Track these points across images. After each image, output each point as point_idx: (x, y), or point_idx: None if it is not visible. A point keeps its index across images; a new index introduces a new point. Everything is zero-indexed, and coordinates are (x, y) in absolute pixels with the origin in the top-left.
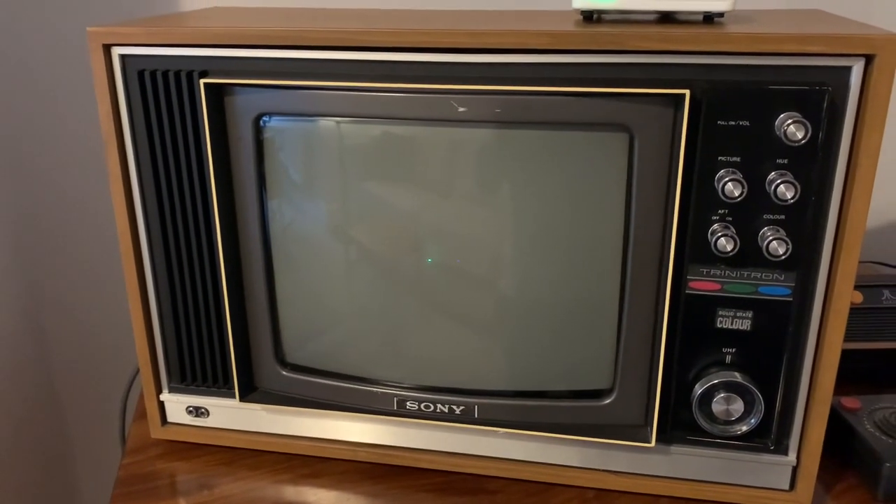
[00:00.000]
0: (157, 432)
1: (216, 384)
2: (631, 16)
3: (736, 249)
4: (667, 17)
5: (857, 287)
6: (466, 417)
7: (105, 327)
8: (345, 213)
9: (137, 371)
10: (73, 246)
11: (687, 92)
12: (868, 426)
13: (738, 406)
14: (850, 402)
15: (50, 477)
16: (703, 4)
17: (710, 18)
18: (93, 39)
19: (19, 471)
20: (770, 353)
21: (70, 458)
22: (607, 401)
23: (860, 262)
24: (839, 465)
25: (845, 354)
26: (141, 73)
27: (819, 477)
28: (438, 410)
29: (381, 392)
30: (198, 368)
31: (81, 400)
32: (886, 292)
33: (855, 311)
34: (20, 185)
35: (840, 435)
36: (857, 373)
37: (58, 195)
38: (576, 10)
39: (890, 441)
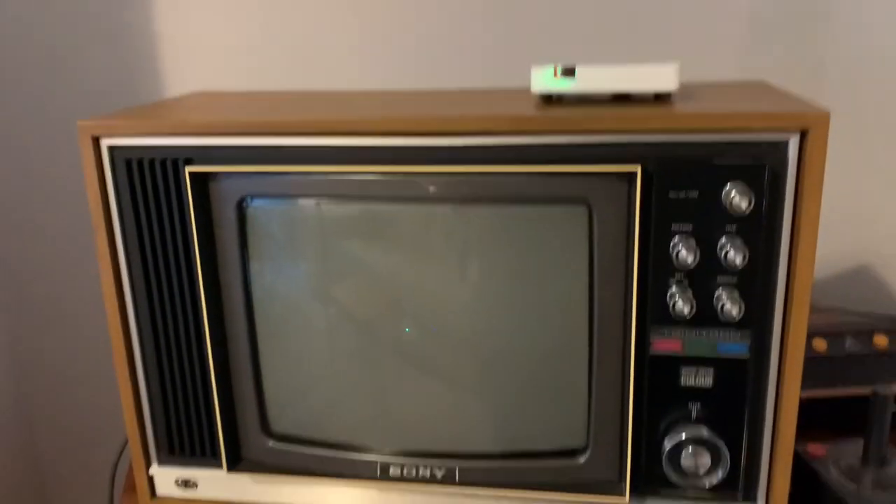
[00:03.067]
0: None
1: (204, 455)
2: (588, 96)
3: (693, 312)
4: (620, 97)
5: (820, 335)
6: (448, 479)
7: (93, 401)
8: (323, 287)
9: (126, 443)
10: (62, 320)
11: (638, 168)
12: (834, 473)
13: (705, 460)
14: (815, 448)
15: None
16: (651, 86)
17: (660, 97)
18: (82, 132)
19: None
20: (733, 408)
21: None
22: (582, 459)
23: (826, 310)
24: None
25: (811, 402)
26: (129, 162)
27: None
28: (420, 475)
29: (364, 459)
30: (185, 440)
31: (68, 471)
32: (850, 339)
33: (819, 358)
34: (9, 264)
35: (807, 482)
36: (823, 419)
37: (46, 269)
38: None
39: (854, 487)
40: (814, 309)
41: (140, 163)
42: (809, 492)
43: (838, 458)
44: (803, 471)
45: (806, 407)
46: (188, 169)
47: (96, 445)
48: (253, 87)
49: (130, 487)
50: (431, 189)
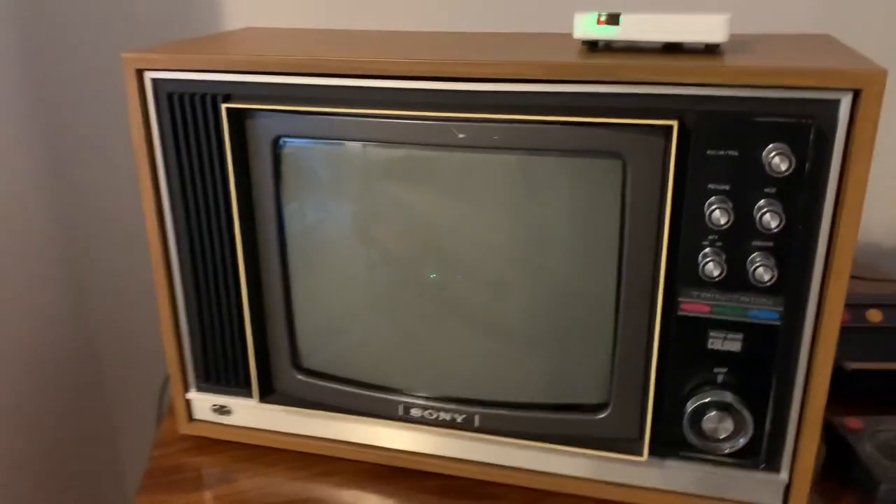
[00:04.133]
0: (183, 428)
1: (238, 385)
2: (637, 45)
3: (723, 275)
4: (671, 47)
5: (876, 306)
6: (467, 425)
7: (149, 328)
8: (353, 229)
9: None
10: (119, 253)
11: (675, 123)
12: (868, 447)
13: (727, 425)
14: (853, 422)
15: (97, 461)
16: (699, 37)
17: (710, 48)
18: (127, 64)
19: (67, 455)
20: (760, 375)
21: (114, 443)
22: (603, 415)
23: (886, 279)
24: (839, 484)
25: (859, 374)
26: (170, 96)
27: (819, 495)
28: (441, 418)
29: (388, 398)
30: (221, 370)
31: (126, 392)
32: None
33: (872, 330)
34: (68, 195)
35: (841, 455)
36: (869, 393)
37: (101, 204)
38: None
39: (889, 463)
40: (872, 278)
41: (181, 97)
42: (843, 464)
43: (875, 433)
44: (838, 444)
45: (855, 378)
46: (225, 106)
47: (154, 361)
48: (310, 24)
49: (172, 410)
50: (461, 136)
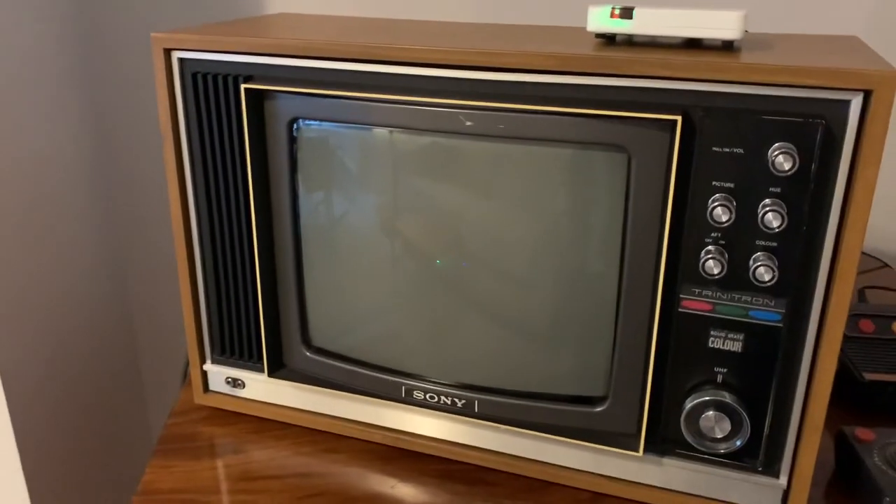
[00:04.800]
0: (199, 398)
1: (251, 359)
2: (657, 40)
3: (723, 273)
4: (692, 43)
5: None
6: (467, 411)
7: (178, 303)
8: (363, 212)
9: None
10: (154, 228)
11: (679, 118)
12: (877, 459)
13: (725, 425)
14: (864, 433)
15: (129, 426)
16: (713, 33)
17: (727, 44)
18: (155, 44)
19: (102, 417)
20: (760, 377)
21: (144, 410)
22: (601, 408)
23: None
24: (846, 494)
25: (876, 385)
26: (195, 75)
27: (825, 503)
28: (442, 402)
29: (391, 380)
30: (235, 343)
31: (156, 363)
32: None
33: (893, 341)
34: (108, 178)
35: (849, 464)
36: (891, 406)
37: (140, 184)
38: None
39: (895, 476)
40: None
41: (205, 77)
42: (851, 474)
43: (885, 446)
44: (847, 453)
45: (873, 389)
46: (244, 86)
47: (182, 334)
48: (344, 11)
49: (191, 382)
50: (468, 123)
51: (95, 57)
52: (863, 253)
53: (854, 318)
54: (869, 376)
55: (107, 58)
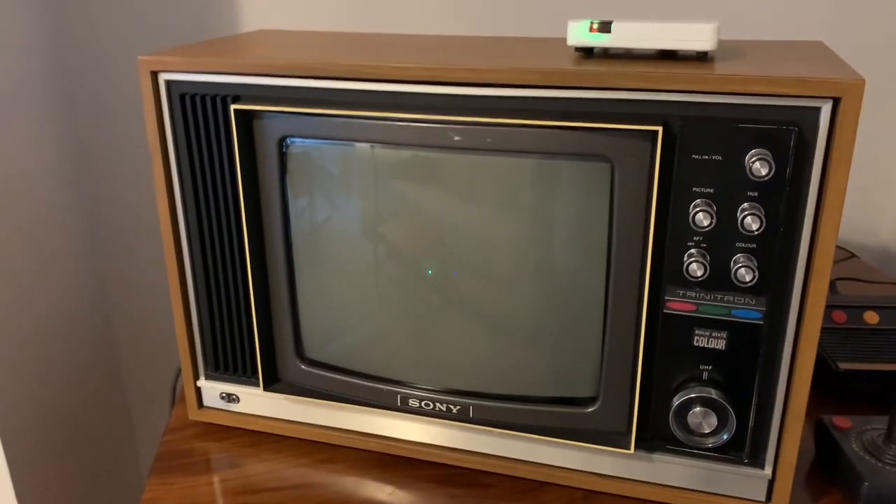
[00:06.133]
0: (194, 414)
1: (245, 374)
2: (633, 52)
3: (706, 275)
4: (666, 54)
5: (874, 308)
6: (462, 417)
7: (165, 319)
8: (354, 226)
9: None
10: (138, 248)
11: (660, 128)
12: (854, 446)
13: (711, 420)
14: (841, 421)
15: (115, 445)
16: (689, 45)
17: (701, 55)
18: (142, 66)
19: (87, 440)
20: (744, 373)
21: (131, 429)
22: (592, 408)
23: (884, 283)
24: (827, 480)
25: (851, 374)
26: (182, 97)
27: (805, 490)
28: (437, 409)
29: (386, 389)
30: (229, 359)
31: (143, 380)
32: None
33: (869, 331)
34: (90, 192)
35: (829, 452)
36: (865, 393)
37: (122, 199)
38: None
39: (873, 462)
40: (873, 281)
41: (193, 98)
42: (830, 461)
43: (862, 432)
44: (827, 441)
45: (848, 378)
46: (233, 106)
47: (169, 351)
48: (322, 26)
49: (184, 398)
50: (456, 138)
51: (76, 74)
52: None
53: (827, 309)
54: (843, 366)
55: (87, 75)
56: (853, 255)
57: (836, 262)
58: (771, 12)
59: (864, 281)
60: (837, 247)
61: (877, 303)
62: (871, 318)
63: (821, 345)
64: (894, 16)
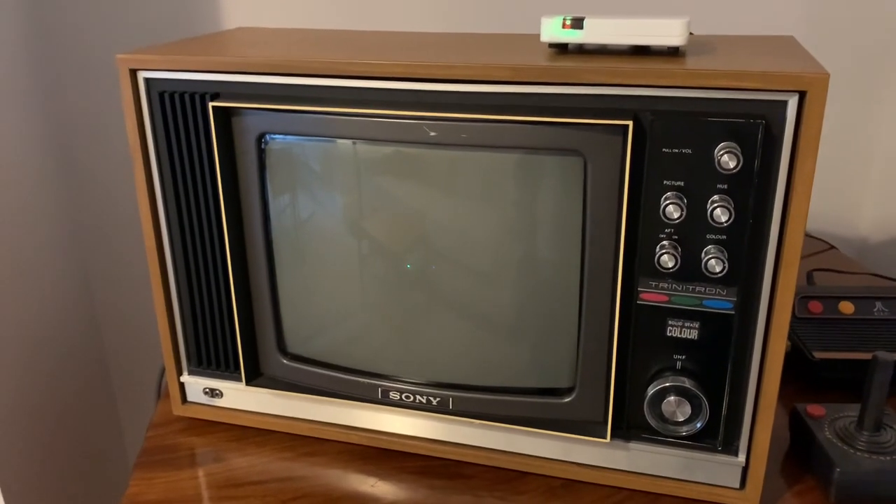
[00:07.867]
0: (178, 409)
1: (228, 369)
2: (607, 48)
3: (677, 266)
4: (640, 49)
5: (849, 298)
6: (442, 408)
7: (149, 316)
8: (333, 220)
9: None
10: (122, 244)
11: (630, 123)
12: (827, 433)
13: (685, 409)
14: (815, 409)
15: (101, 441)
16: (660, 40)
17: (672, 50)
18: (121, 64)
19: (74, 436)
20: (716, 362)
21: (117, 425)
22: (569, 399)
23: (860, 273)
24: (801, 467)
25: (826, 363)
26: (161, 95)
27: (780, 476)
28: (417, 401)
29: (367, 382)
30: (212, 354)
31: (129, 377)
32: (878, 304)
33: (844, 321)
34: (73, 187)
35: (803, 439)
36: (839, 382)
37: (106, 196)
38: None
39: (845, 448)
40: (850, 271)
41: (172, 96)
42: (804, 448)
43: (835, 420)
44: (800, 429)
45: (823, 367)
46: (212, 104)
47: (154, 347)
48: (301, 23)
49: (167, 393)
50: (432, 134)
51: (57, 70)
52: (809, 236)
53: (803, 300)
54: (819, 355)
55: (68, 70)
56: (832, 247)
57: (815, 253)
58: (745, 8)
59: (840, 272)
60: (817, 239)
61: (852, 293)
62: (846, 307)
63: (797, 334)
64: (870, 10)
